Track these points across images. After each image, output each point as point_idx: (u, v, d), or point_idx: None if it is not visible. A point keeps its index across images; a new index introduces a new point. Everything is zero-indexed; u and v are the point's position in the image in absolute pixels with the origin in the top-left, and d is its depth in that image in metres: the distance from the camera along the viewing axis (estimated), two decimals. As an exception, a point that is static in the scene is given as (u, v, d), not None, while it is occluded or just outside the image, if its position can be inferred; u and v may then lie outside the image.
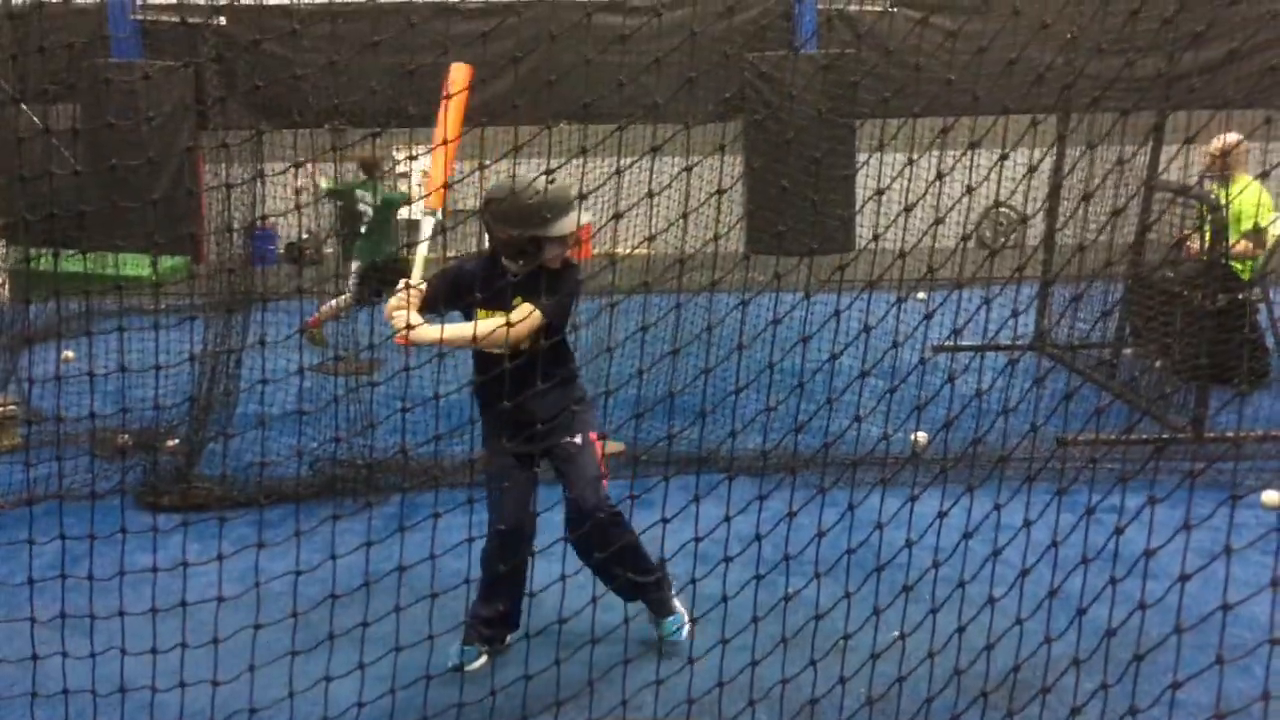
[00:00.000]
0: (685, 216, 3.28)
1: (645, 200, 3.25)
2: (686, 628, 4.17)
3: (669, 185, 3.78)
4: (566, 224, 3.83)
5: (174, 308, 8.45)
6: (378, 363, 7.37)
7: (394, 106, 4.01)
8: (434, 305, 3.93)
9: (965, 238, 3.36)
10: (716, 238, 3.48)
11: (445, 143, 3.79)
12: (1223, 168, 7.44)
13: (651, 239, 3.34)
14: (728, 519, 3.28)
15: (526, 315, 3.73)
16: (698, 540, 3.29)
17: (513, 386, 3.59)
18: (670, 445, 4.35)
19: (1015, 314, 3.42)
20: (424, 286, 3.86)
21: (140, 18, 12.42)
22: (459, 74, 3.99)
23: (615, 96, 3.25)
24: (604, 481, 4.01)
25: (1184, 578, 2.73)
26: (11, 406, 6.93)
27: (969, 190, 3.20)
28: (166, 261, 11.47)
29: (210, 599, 3.25)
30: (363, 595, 3.25)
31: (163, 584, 3.36)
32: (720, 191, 3.38)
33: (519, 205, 3.73)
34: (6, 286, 9.05)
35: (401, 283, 3.82)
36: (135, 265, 8.55)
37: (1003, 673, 3.43)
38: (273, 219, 12.76)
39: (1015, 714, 3.32)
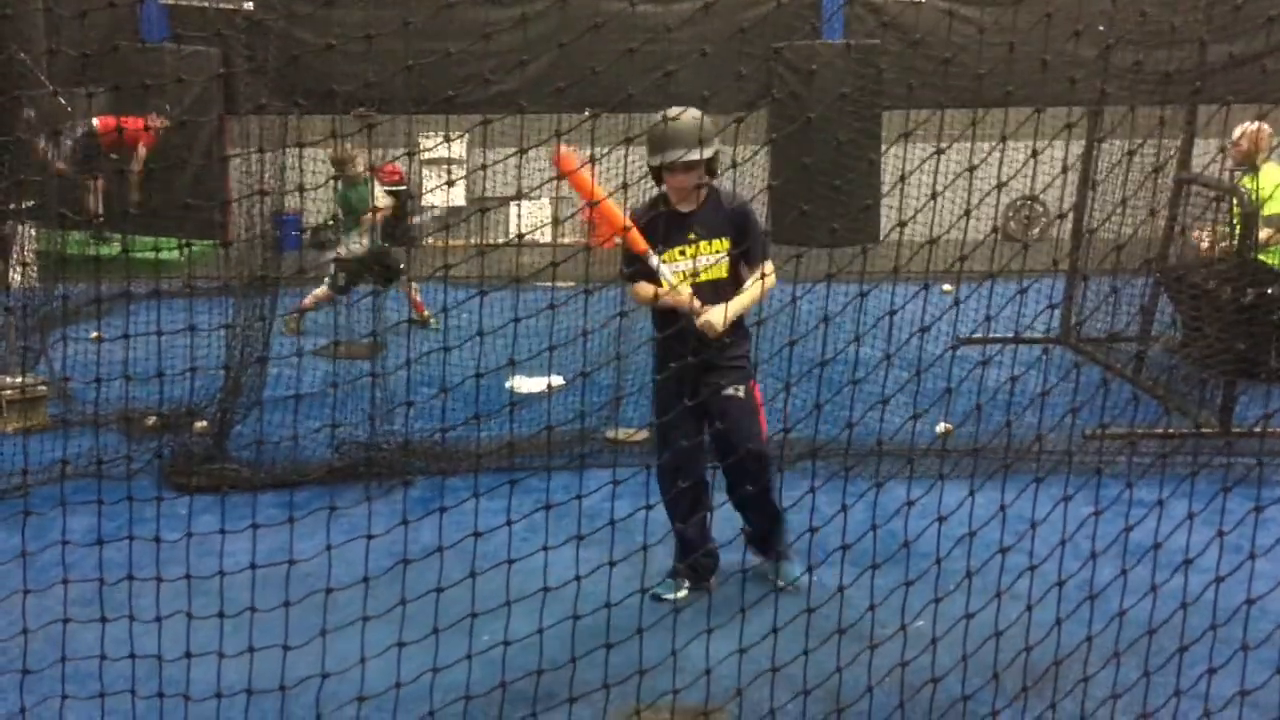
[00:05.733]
0: (694, 188, 3.28)
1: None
2: (805, 577, 4.31)
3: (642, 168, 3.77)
4: (673, 154, 4.19)
5: (201, 290, 8.54)
6: (378, 347, 7.46)
7: (424, 94, 4.02)
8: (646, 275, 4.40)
9: (994, 230, 3.35)
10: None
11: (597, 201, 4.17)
12: (1248, 157, 7.37)
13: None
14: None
15: (768, 272, 4.35)
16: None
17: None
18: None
19: (1051, 306, 3.40)
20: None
21: (170, 2, 12.49)
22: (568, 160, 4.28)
23: (640, 82, 3.26)
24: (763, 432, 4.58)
25: (1218, 579, 2.73)
26: (41, 386, 7.00)
27: (996, 191, 3.19)
28: (196, 244, 11.54)
29: (238, 577, 3.27)
30: (393, 576, 3.27)
31: (197, 560, 3.38)
32: (732, 164, 3.38)
33: (650, 134, 4.27)
34: (35, 267, 9.13)
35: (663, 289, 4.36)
36: (164, 247, 8.61)
37: (1009, 653, 3.45)
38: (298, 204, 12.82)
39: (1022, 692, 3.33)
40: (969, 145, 3.25)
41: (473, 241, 10.98)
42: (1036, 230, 13.59)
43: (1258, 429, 6.32)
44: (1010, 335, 5.15)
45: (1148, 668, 3.26)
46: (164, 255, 7.45)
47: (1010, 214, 13.65)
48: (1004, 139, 2.96)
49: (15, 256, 8.80)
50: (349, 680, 3.39)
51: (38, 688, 3.61)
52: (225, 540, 3.31)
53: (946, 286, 8.31)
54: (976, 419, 3.37)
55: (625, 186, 3.68)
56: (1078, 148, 8.11)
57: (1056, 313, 8.74)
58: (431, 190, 12.77)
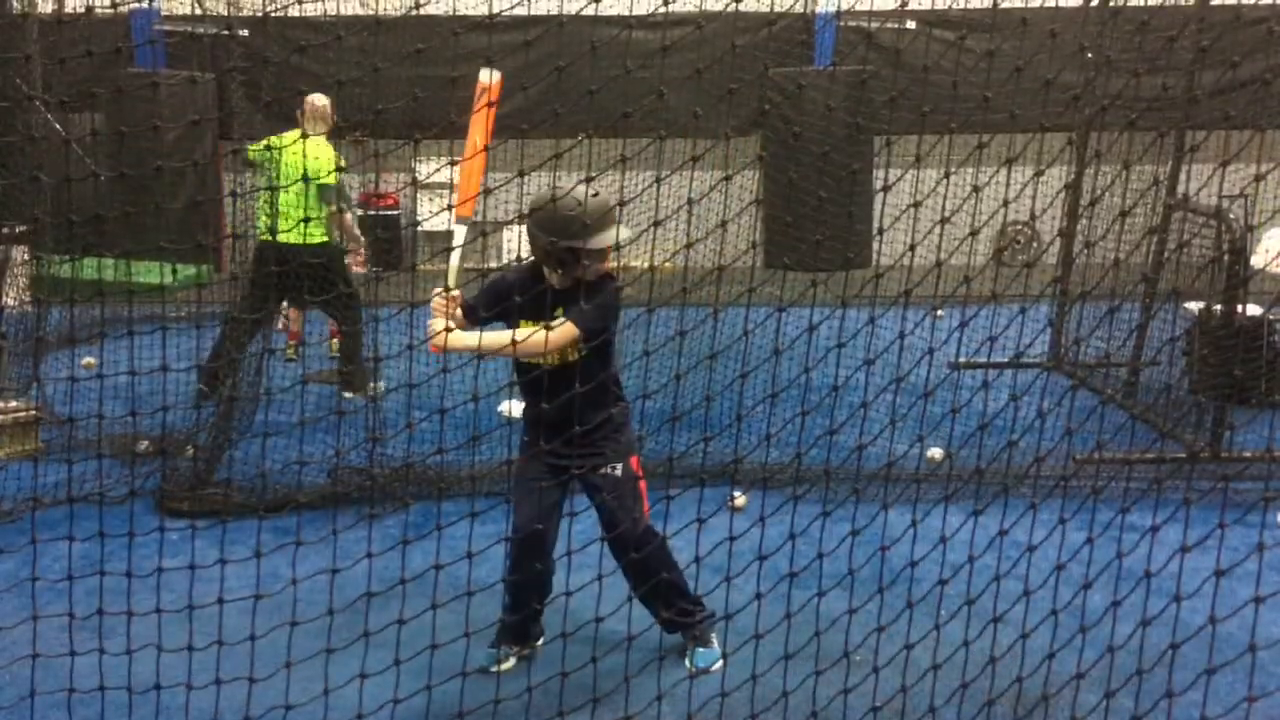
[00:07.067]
0: (657, 222, 3.29)
1: (651, 214, 3.30)
2: (719, 664, 4.17)
3: (632, 190, 3.81)
4: (605, 237, 3.87)
5: (194, 315, 8.56)
6: (365, 375, 7.47)
7: (414, 119, 4.04)
8: (473, 313, 3.99)
9: (972, 260, 3.37)
10: (688, 245, 3.56)
11: (477, 153, 3.85)
12: None
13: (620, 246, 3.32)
14: (731, 538, 3.36)
15: (563, 326, 3.79)
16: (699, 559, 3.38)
17: (552, 390, 3.72)
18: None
19: (1031, 341, 3.43)
20: (458, 294, 3.90)
21: (165, 29, 12.51)
22: (491, 81, 3.91)
23: (629, 106, 3.27)
24: (645, 511, 4.12)
25: (1178, 598, 2.76)
26: (34, 411, 6.99)
27: (974, 231, 3.22)
28: (185, 270, 11.54)
29: (230, 601, 3.28)
30: (383, 601, 3.28)
31: (181, 587, 3.39)
32: (691, 202, 3.38)
33: (558, 214, 3.75)
34: (29, 291, 9.12)
35: (437, 290, 3.86)
36: (149, 272, 8.61)
37: (1007, 683, 3.47)
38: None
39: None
40: (967, 171, 3.28)
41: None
42: (1017, 254, 13.61)
43: (1226, 453, 6.36)
44: (990, 360, 5.14)
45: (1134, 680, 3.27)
46: (151, 279, 7.49)
47: (1002, 238, 13.68)
48: (967, 165, 2.99)
49: (9, 280, 8.80)
50: (346, 697, 3.41)
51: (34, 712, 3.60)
52: (208, 571, 3.33)
53: (940, 312, 8.31)
54: (947, 448, 3.39)
55: (621, 204, 3.63)
56: (1060, 172, 8.15)
57: (1045, 337, 8.76)
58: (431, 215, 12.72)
